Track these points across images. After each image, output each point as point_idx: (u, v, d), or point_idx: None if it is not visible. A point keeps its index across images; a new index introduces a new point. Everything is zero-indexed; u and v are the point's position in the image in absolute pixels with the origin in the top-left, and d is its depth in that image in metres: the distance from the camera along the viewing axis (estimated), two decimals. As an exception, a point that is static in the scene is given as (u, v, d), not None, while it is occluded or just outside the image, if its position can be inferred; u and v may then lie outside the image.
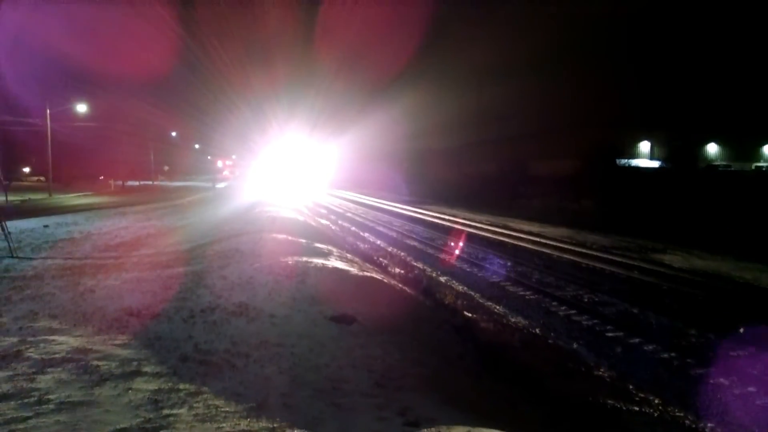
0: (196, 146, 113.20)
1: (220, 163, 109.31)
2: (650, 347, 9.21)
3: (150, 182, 77.93)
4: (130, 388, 4.69)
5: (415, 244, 21.12)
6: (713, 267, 16.38)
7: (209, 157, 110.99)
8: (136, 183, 71.46)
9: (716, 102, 59.75)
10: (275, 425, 3.91)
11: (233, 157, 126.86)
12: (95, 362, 5.30)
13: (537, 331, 10.23)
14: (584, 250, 19.13)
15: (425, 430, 3.88)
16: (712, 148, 68.31)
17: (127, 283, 9.50)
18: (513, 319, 10.87)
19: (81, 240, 16.43)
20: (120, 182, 68.03)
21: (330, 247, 14.16)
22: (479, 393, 5.75)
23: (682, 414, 6.72)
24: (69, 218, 23.96)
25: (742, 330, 9.98)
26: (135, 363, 5.38)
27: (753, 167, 62.35)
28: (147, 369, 5.23)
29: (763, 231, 21.83)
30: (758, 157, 68.85)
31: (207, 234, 16.85)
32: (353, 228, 26.12)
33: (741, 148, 66.85)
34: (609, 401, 6.78)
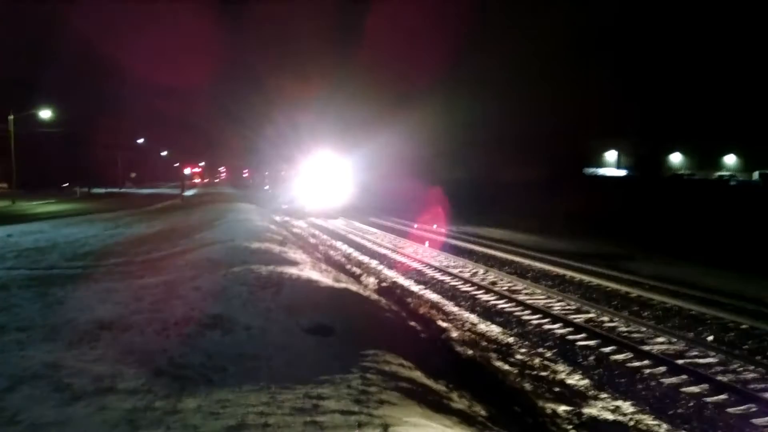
0: (163, 153, 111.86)
1: (188, 170, 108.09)
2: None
3: (117, 189, 76.61)
4: (105, 407, 4.56)
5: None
6: (677, 274, 16.68)
7: (176, 165, 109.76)
8: (103, 190, 70.14)
9: (680, 112, 61.02)
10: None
11: (201, 164, 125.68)
12: (67, 379, 5.16)
13: (515, 343, 10.30)
14: (554, 258, 19.33)
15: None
16: (676, 158, 69.87)
17: (98, 294, 9.30)
18: (485, 327, 10.94)
19: (48, 249, 16.04)
20: (86, 189, 66.68)
21: (303, 256, 14.07)
22: (459, 409, 5.74)
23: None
24: (34, 226, 23.42)
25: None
26: (108, 379, 5.25)
27: (716, 176, 63.88)
28: (121, 386, 5.11)
29: (725, 238, 22.47)
30: (720, 166, 70.60)
31: (178, 243, 16.60)
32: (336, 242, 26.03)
33: (704, 157, 68.52)
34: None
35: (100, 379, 5.22)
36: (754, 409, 7.50)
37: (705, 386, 8.25)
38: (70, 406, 4.56)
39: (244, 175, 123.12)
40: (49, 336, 6.78)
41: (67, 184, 70.54)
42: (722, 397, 7.92)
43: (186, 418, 4.35)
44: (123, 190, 78.46)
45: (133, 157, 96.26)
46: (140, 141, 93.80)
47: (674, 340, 10.38)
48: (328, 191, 35.81)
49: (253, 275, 10.09)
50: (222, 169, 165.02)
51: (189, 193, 69.95)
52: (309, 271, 11.57)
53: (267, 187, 66.22)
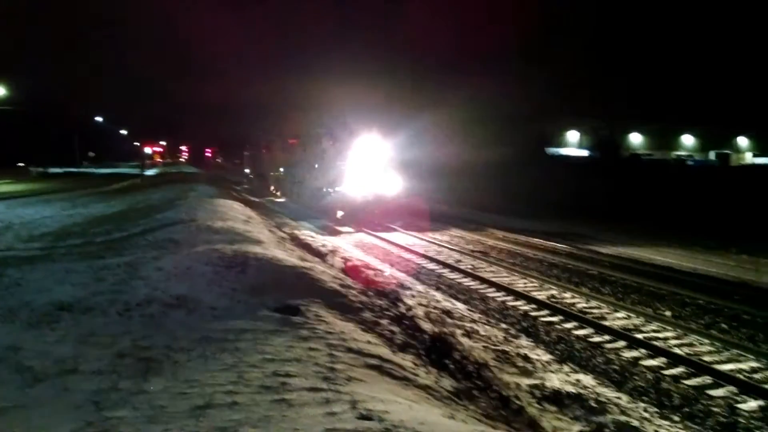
0: (124, 132, 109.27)
1: (148, 150, 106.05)
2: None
3: (74, 169, 74.59)
4: (68, 389, 4.48)
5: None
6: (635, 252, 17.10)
7: (136, 144, 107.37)
8: (60, 170, 68.23)
9: (640, 94, 62.18)
10: (224, 425, 3.82)
11: (161, 142, 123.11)
12: (28, 361, 5.05)
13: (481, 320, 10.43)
14: (518, 237, 19.63)
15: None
16: (635, 138, 71.09)
17: (56, 275, 9.08)
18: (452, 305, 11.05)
19: (2, 230, 15.60)
20: (41, 169, 64.76)
21: (268, 235, 13.98)
22: (425, 384, 5.80)
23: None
24: (-13, 207, 22.72)
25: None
26: (71, 361, 5.16)
27: (673, 156, 65.42)
28: (84, 367, 5.02)
29: (679, 215, 23.14)
30: (678, 146, 72.20)
31: (138, 222, 16.30)
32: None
33: (662, 137, 69.95)
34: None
35: (62, 361, 5.13)
36: (708, 381, 7.82)
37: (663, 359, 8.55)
38: (32, 388, 4.48)
39: (206, 155, 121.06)
40: (7, 318, 6.61)
41: (22, 164, 68.40)
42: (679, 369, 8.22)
43: (152, 399, 4.30)
44: (81, 169, 76.39)
45: (92, 136, 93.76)
46: (99, 119, 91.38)
47: (633, 315, 10.73)
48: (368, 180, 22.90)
49: (217, 255, 9.97)
50: (184, 148, 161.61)
51: (150, 172, 68.65)
52: (274, 250, 11.50)
53: (248, 170, 53.39)
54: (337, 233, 20.94)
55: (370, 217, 22.52)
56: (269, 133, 42.16)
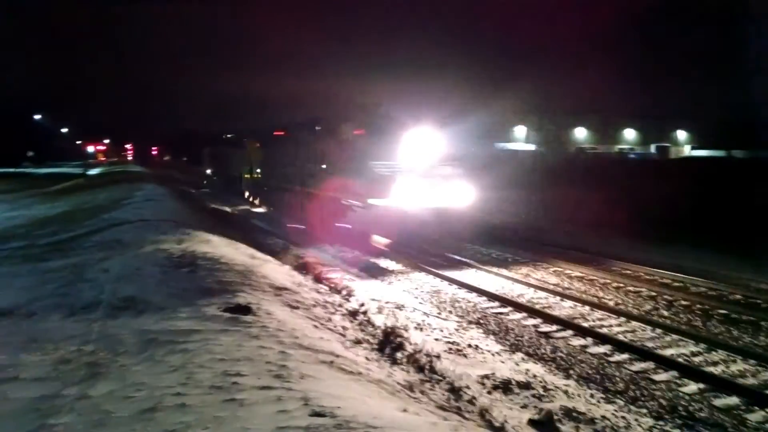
0: (65, 130, 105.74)
1: (91, 149, 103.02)
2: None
3: (12, 170, 71.69)
4: (7, 397, 4.34)
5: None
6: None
7: (79, 143, 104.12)
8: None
9: (583, 88, 63.62)
10: (173, 428, 3.76)
11: (105, 141, 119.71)
12: (-36, 370, 4.85)
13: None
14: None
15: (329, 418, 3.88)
16: (580, 132, 72.74)
17: (-4, 280, 8.76)
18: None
19: (-64, 234, 14.92)
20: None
21: (216, 236, 13.79)
22: (378, 379, 5.84)
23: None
24: None
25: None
26: (10, 369, 4.98)
27: (616, 149, 67.31)
28: (25, 374, 4.86)
29: (622, 208, 23.46)
30: (620, 140, 74.28)
31: (84, 224, 15.83)
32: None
33: (606, 131, 71.89)
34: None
35: (1, 369, 4.95)
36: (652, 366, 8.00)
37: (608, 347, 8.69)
38: (-31, 398, 4.30)
39: (153, 154, 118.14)
40: (-57, 326, 6.34)
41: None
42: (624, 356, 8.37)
43: (98, 404, 4.20)
44: (20, 170, 73.47)
45: (31, 135, 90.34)
46: (37, 117, 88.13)
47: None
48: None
49: (165, 255, 9.81)
50: (128, 146, 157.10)
51: (93, 172, 66.64)
52: (224, 248, 11.37)
53: (209, 171, 45.96)
54: (379, 274, 13.89)
55: (424, 243, 16.24)
56: (246, 126, 34.88)
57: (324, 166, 18.61)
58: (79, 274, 8.88)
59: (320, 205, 18.34)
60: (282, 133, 24.96)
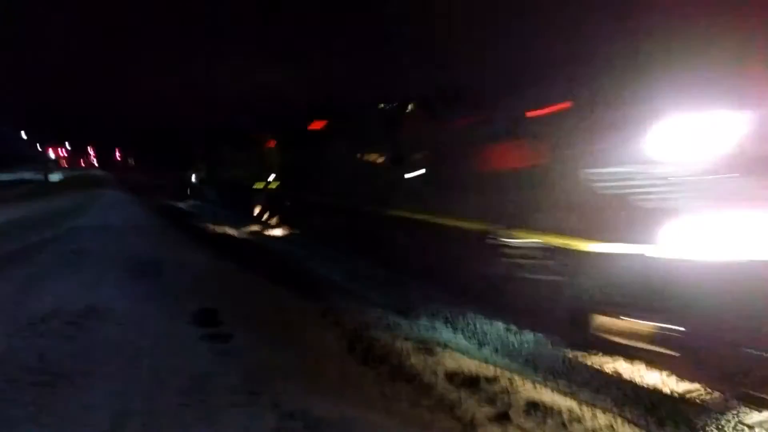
0: (23, 134, 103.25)
1: (52, 153, 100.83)
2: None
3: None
4: None
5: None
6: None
7: (39, 146, 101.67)
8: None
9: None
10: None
11: (67, 146, 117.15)
12: None
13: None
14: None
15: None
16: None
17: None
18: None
19: None
20: None
21: (183, 236, 13.59)
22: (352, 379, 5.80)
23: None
24: None
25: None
26: None
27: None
28: None
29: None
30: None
31: (43, 232, 15.42)
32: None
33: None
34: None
35: None
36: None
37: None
38: None
39: (116, 158, 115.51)
40: None
41: None
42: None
43: (48, 427, 3.94)
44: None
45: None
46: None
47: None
48: None
49: (130, 261, 9.62)
50: (91, 150, 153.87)
51: (55, 177, 65.16)
52: (192, 252, 11.21)
53: (195, 178, 38.41)
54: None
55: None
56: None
57: (421, 172, 11.03)
58: (38, 283, 8.62)
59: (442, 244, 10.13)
60: (322, 124, 16.97)
